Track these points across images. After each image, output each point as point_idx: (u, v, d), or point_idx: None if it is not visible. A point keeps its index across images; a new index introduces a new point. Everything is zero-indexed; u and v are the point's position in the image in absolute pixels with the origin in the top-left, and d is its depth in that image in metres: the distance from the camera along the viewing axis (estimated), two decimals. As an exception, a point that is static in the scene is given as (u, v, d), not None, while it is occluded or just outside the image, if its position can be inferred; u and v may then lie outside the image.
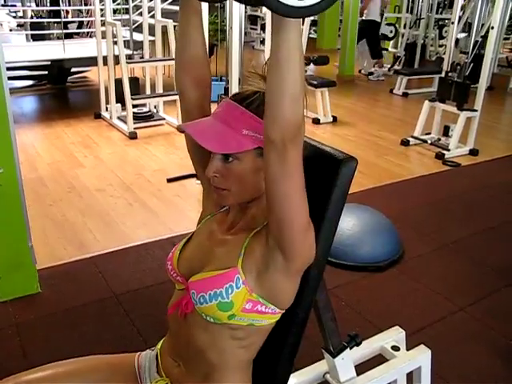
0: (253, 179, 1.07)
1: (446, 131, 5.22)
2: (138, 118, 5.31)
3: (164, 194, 3.91)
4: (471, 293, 2.79)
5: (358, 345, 1.54)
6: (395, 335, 1.81)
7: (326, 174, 1.14)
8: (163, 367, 1.23)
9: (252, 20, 12.03)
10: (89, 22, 7.90)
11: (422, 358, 1.72)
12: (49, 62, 6.40)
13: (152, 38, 5.64)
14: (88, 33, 7.82)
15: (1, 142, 2.32)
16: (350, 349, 1.54)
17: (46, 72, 6.82)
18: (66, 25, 7.75)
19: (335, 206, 1.13)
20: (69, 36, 7.48)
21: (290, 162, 0.90)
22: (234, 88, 3.57)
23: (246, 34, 12.09)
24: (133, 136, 5.04)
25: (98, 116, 5.65)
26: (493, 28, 4.78)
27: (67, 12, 9.21)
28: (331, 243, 1.18)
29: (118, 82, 5.24)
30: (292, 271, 1.04)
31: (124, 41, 5.22)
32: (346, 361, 1.54)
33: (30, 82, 7.09)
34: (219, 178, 1.08)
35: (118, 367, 1.30)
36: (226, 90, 3.92)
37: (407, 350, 1.78)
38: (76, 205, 3.66)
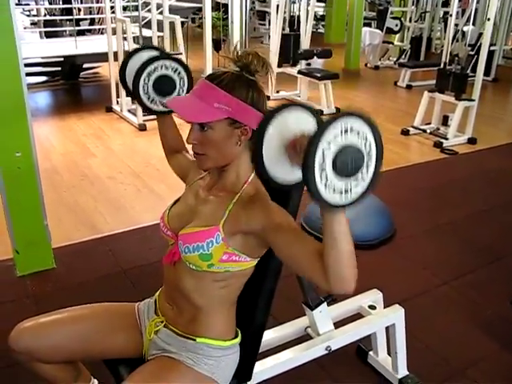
0: (226, 145, 1.27)
1: (445, 121, 5.38)
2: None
3: (171, 181, 4.09)
4: (457, 269, 2.97)
5: (334, 300, 1.74)
6: (373, 296, 2.00)
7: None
8: (160, 309, 1.45)
9: (260, 16, 12.19)
10: (100, 19, 8.12)
11: (395, 315, 1.91)
12: (62, 59, 6.64)
13: (160, 34, 5.84)
14: (99, 29, 8.05)
15: (19, 130, 2.55)
16: (328, 304, 1.74)
17: (59, 68, 7.06)
18: (78, 22, 7.98)
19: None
20: (81, 33, 7.71)
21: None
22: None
23: (254, 29, 12.29)
24: (142, 128, 5.26)
25: (109, 109, 5.88)
26: (489, 19, 4.93)
27: (79, 10, 9.45)
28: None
29: (128, 77, 5.45)
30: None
31: (133, 37, 5.43)
32: (324, 314, 1.74)
33: (43, 78, 7.33)
34: (198, 145, 1.28)
35: (118, 313, 1.52)
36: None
37: (384, 310, 1.97)
38: (88, 191, 3.89)
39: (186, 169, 1.53)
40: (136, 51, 1.56)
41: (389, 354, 2.11)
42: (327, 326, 1.76)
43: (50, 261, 2.84)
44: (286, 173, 1.15)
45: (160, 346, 1.38)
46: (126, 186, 4.02)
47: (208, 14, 4.10)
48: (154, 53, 1.54)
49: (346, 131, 0.94)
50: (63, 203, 3.67)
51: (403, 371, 2.05)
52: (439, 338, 2.39)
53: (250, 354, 1.46)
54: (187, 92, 1.54)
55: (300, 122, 1.11)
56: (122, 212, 3.58)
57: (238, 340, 1.40)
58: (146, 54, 1.52)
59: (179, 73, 1.52)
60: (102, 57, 6.06)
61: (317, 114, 1.13)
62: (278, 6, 6.58)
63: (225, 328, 1.38)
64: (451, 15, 5.39)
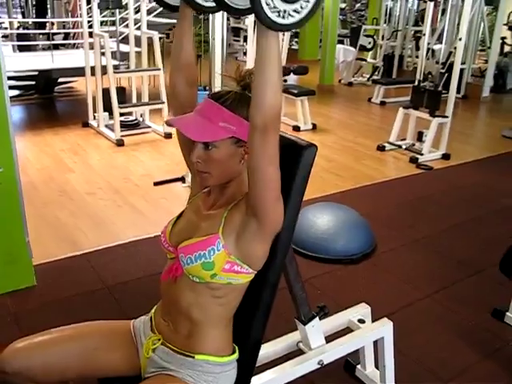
0: (229, 163, 1.29)
1: (419, 137, 5.49)
2: (124, 126, 5.51)
3: (151, 197, 4.11)
4: (437, 282, 3.02)
5: (326, 314, 1.76)
6: (361, 310, 2.03)
7: (291, 158, 1.36)
8: (156, 327, 1.44)
9: (235, 32, 12.29)
10: (75, 33, 8.08)
11: (384, 329, 1.94)
12: (36, 73, 6.57)
13: (138, 49, 5.84)
14: (74, 44, 8.00)
15: (1, 145, 2.52)
16: (320, 319, 1.76)
17: (33, 82, 6.98)
18: (51, 36, 7.91)
19: (300, 183, 1.36)
20: (54, 47, 7.65)
21: (269, 143, 1.12)
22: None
23: (229, 45, 12.36)
24: (120, 143, 5.24)
25: (86, 124, 5.83)
26: (460, 39, 5.07)
27: (52, 24, 9.39)
28: (297, 213, 1.41)
29: (105, 92, 5.44)
30: (264, 235, 1.26)
31: (111, 52, 5.42)
32: (316, 329, 1.75)
33: (16, 92, 7.23)
34: (201, 163, 1.29)
35: (114, 331, 1.51)
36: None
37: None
38: (67, 207, 3.85)
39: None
40: None
41: (376, 367, 2.14)
42: (319, 340, 1.77)
43: (30, 278, 2.79)
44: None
45: (158, 363, 1.38)
46: (105, 201, 3.98)
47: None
48: None
49: None
50: (42, 219, 3.61)
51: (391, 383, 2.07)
52: (424, 350, 2.42)
53: (247, 369, 1.46)
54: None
55: None
56: (102, 228, 3.55)
57: (235, 356, 1.40)
58: None
59: None
60: (78, 71, 6.04)
61: None
62: (255, 21, 6.65)
63: (223, 344, 1.38)
64: (424, 34, 5.53)
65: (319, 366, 1.75)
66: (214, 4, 1.37)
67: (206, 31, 7.14)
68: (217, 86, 3.77)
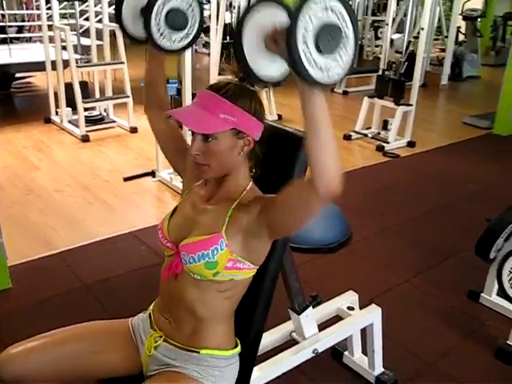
0: (229, 155, 1.27)
1: (385, 125, 5.59)
2: (89, 121, 5.38)
3: (121, 192, 4.04)
4: (413, 268, 3.09)
5: (318, 303, 1.78)
6: (350, 297, 2.06)
7: (289, 149, 1.36)
8: (156, 324, 1.42)
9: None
10: (30, 26, 7.83)
11: (373, 315, 1.98)
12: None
13: (100, 43, 5.72)
14: (30, 38, 7.75)
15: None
16: (313, 307, 1.78)
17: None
18: (3, 29, 7.64)
19: (299, 174, 1.36)
20: (4, 41, 7.38)
21: (323, 205, 1.12)
22: (188, 89, 3.76)
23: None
24: (85, 139, 5.12)
25: (48, 120, 5.68)
26: (423, 29, 5.18)
27: (3, 16, 9.07)
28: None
29: (67, 87, 5.30)
30: (271, 240, 1.28)
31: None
32: (310, 318, 1.77)
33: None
34: (200, 156, 1.27)
35: (112, 331, 1.48)
36: (179, 90, 4.11)
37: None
38: (36, 205, 3.74)
39: (181, 153, 1.47)
40: None
41: (363, 353, 2.18)
42: (313, 329, 1.79)
43: (6, 280, 2.71)
44: (269, 68, 1.16)
45: (162, 360, 1.36)
46: (75, 198, 3.90)
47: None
48: None
49: (325, 9, 0.97)
50: (11, 219, 3.50)
51: (379, 368, 2.12)
52: (406, 335, 2.48)
53: (248, 361, 1.46)
54: (196, 33, 1.43)
55: (274, 17, 1.12)
56: (75, 226, 3.47)
57: (238, 349, 1.40)
58: None
59: (193, 9, 1.40)
60: (37, 66, 5.86)
61: (288, 6, 1.13)
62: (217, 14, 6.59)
63: (226, 338, 1.38)
64: (387, 24, 5.61)
65: (314, 355, 1.77)
66: (182, 45, 1.43)
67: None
68: (187, 78, 3.73)
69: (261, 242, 1.26)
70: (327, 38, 0.97)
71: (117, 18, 1.43)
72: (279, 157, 1.38)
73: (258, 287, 1.40)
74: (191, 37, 1.43)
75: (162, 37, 1.39)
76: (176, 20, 1.37)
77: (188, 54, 3.66)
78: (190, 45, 1.44)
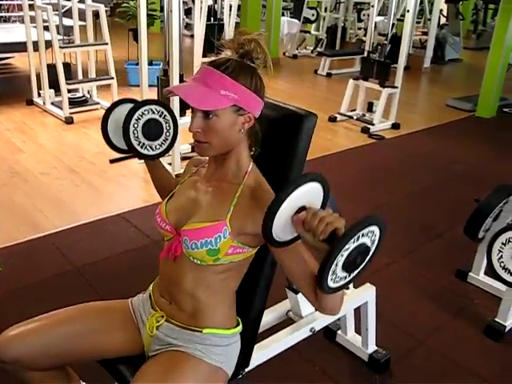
0: (229, 132, 1.26)
1: (369, 107, 5.61)
2: (72, 103, 5.30)
3: (109, 175, 4.00)
4: (402, 247, 3.13)
5: (315, 282, 1.78)
6: (344, 277, 2.07)
7: (291, 128, 1.36)
8: (156, 304, 1.42)
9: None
10: (9, 5, 7.65)
11: (368, 293, 2.00)
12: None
13: (82, 23, 5.61)
14: (9, 17, 7.58)
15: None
16: (309, 286, 1.79)
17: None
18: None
19: (302, 153, 1.37)
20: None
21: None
22: (176, 69, 3.72)
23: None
24: (69, 121, 5.05)
25: (31, 102, 5.57)
26: (408, 11, 5.18)
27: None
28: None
29: (50, 68, 5.21)
30: None
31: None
32: (306, 297, 1.78)
33: None
34: (201, 133, 1.26)
35: (112, 311, 1.47)
36: (166, 71, 4.06)
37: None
38: (22, 188, 3.69)
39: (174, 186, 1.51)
40: (115, 105, 1.55)
41: (356, 332, 2.21)
42: (309, 308, 1.81)
43: (-6, 263, 2.68)
44: (286, 235, 1.11)
45: (164, 340, 1.36)
46: (62, 181, 3.85)
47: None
48: (131, 105, 1.51)
49: (362, 235, 1.01)
50: (-4, 202, 3.46)
51: (372, 346, 2.15)
52: (397, 313, 2.52)
53: (249, 340, 1.48)
54: (173, 137, 1.55)
55: (310, 193, 1.09)
56: (62, 208, 3.44)
57: (240, 327, 1.41)
58: (127, 106, 1.51)
59: (165, 116, 1.53)
60: (18, 46, 5.74)
61: (326, 185, 1.12)
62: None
63: (228, 317, 1.38)
64: (373, 6, 5.60)
65: (311, 333, 1.79)
66: (162, 149, 1.55)
67: (150, 2, 6.95)
68: (175, 59, 3.69)
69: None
70: (356, 259, 1.02)
71: (103, 134, 1.56)
72: (279, 135, 1.38)
73: (259, 268, 1.41)
74: (169, 139, 1.55)
75: (143, 148, 1.52)
76: (151, 131, 1.51)
77: (176, 34, 3.61)
78: (169, 147, 1.56)
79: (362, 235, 1.00)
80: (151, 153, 1.54)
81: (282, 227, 1.06)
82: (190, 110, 1.28)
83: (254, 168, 1.33)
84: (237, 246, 1.25)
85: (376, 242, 1.06)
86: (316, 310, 1.23)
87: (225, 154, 1.31)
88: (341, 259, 0.99)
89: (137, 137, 1.50)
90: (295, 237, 1.11)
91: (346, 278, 1.06)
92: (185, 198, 1.37)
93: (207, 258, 1.25)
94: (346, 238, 0.97)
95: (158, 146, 1.53)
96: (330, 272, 0.99)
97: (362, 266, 1.06)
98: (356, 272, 1.07)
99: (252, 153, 1.35)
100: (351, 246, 0.99)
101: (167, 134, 1.54)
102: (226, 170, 1.33)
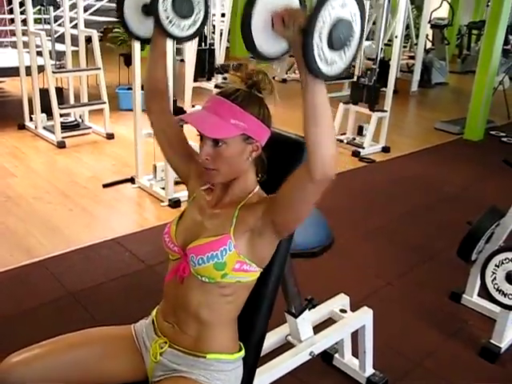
0: (238, 160, 1.30)
1: (360, 131, 5.68)
2: (64, 127, 5.30)
3: (102, 199, 4.01)
4: (396, 269, 3.16)
5: (314, 306, 1.80)
6: (341, 301, 2.09)
7: (292, 155, 1.39)
8: (159, 330, 1.42)
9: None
10: (1, 31, 7.68)
11: (365, 317, 2.02)
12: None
13: (75, 48, 5.65)
14: (1, 42, 7.61)
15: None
16: (309, 310, 1.80)
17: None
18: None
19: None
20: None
21: (319, 193, 1.17)
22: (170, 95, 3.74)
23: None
24: (61, 145, 5.05)
25: (22, 127, 5.57)
26: (396, 37, 5.30)
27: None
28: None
29: (42, 92, 5.23)
30: (276, 241, 1.31)
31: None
32: (306, 321, 1.80)
33: None
34: (210, 161, 1.30)
35: (115, 337, 1.47)
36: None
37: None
38: (15, 213, 3.68)
39: (186, 158, 1.49)
40: None
41: (353, 355, 2.22)
42: (309, 332, 1.82)
43: (-12, 289, 2.66)
44: (270, 46, 1.15)
45: (168, 366, 1.36)
46: (55, 206, 3.84)
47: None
48: None
49: (342, 5, 0.99)
50: (-12, 227, 3.45)
51: (370, 369, 2.16)
52: (392, 335, 2.53)
53: (252, 364, 1.48)
54: (203, 20, 1.47)
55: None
56: (56, 233, 3.43)
57: (243, 352, 1.42)
58: None
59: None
60: (10, 71, 5.77)
61: None
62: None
63: (231, 341, 1.39)
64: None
65: (310, 357, 1.80)
66: (191, 32, 1.45)
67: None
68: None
69: (266, 241, 1.29)
70: (340, 34, 0.99)
71: (119, 16, 1.45)
72: (283, 162, 1.40)
73: (260, 291, 1.42)
74: (198, 24, 1.45)
75: (172, 24, 1.40)
76: (183, 7, 1.39)
77: (170, 61, 3.65)
78: (197, 32, 1.46)
79: (333, 8, 0.97)
80: (177, 32, 1.42)
81: (263, 35, 1.09)
82: (199, 137, 1.32)
83: (259, 190, 1.37)
84: (243, 261, 1.28)
85: (356, 21, 1.02)
86: (316, 173, 1.10)
87: (231, 180, 1.35)
88: (323, 39, 0.97)
89: (166, 9, 1.37)
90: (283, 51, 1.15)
91: (329, 61, 1.01)
92: (192, 220, 1.40)
93: (215, 273, 1.27)
94: (315, 11, 0.96)
95: (185, 27, 1.43)
96: (315, 53, 0.97)
97: (350, 41, 1.01)
98: (347, 50, 1.02)
99: (258, 179, 1.39)
100: (326, 20, 0.97)
101: (196, 16, 1.44)
102: (232, 196, 1.36)
